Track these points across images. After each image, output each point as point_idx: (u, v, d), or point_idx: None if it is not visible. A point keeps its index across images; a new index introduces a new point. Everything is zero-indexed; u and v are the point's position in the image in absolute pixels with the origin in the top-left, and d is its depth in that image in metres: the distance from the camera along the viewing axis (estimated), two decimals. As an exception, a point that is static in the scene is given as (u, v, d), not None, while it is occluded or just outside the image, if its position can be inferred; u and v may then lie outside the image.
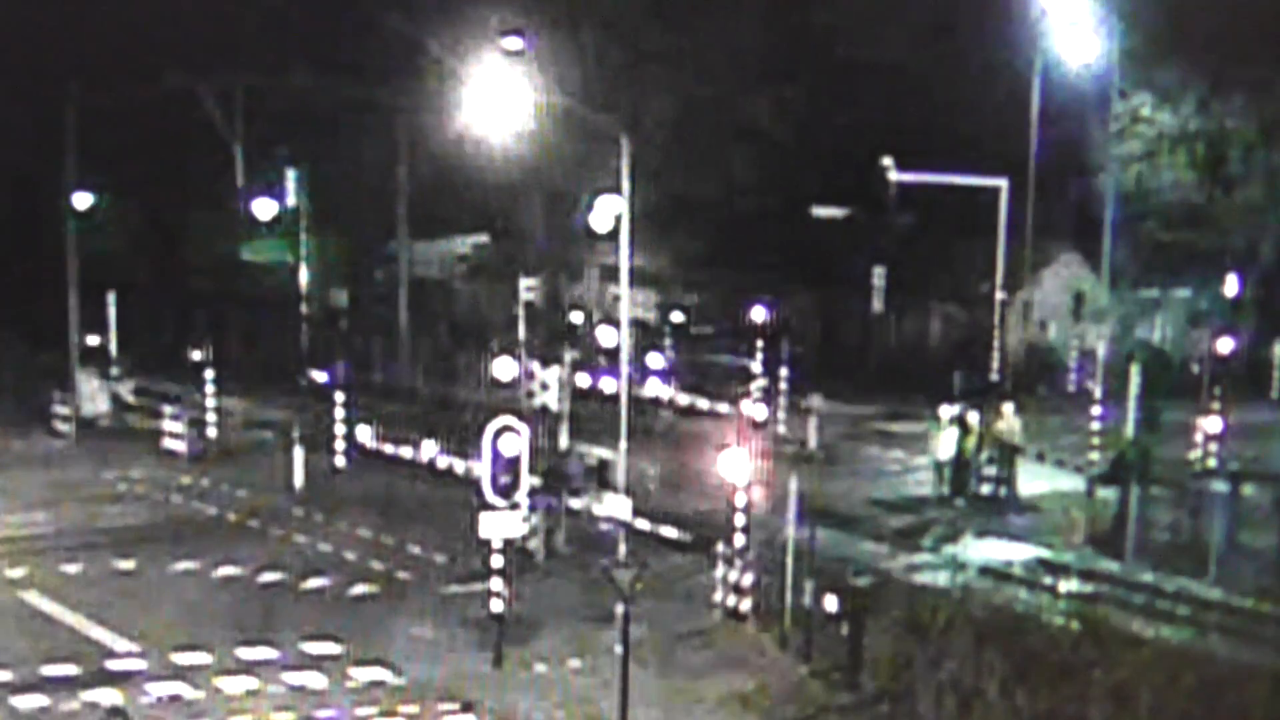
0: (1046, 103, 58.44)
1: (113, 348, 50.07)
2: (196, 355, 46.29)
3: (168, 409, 43.41)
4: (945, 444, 36.64)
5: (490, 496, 24.24)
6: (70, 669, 23.80)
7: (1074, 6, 58.19)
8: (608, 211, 54.78)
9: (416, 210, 60.95)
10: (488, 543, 24.62)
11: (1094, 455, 37.88)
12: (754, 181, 60.36)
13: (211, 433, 43.80)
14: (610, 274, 57.00)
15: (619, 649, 21.05)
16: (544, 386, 33.98)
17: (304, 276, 61.09)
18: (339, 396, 40.01)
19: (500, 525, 24.39)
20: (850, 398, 50.08)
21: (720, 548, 27.16)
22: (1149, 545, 30.33)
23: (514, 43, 48.18)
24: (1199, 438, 38.35)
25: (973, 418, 36.89)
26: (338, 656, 24.60)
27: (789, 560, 25.94)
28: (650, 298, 62.33)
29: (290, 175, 60.71)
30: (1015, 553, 31.11)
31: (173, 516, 35.33)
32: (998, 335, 55.26)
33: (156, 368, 51.31)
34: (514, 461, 24.19)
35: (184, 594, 28.63)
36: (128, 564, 30.54)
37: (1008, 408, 37.54)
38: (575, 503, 32.25)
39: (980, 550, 31.47)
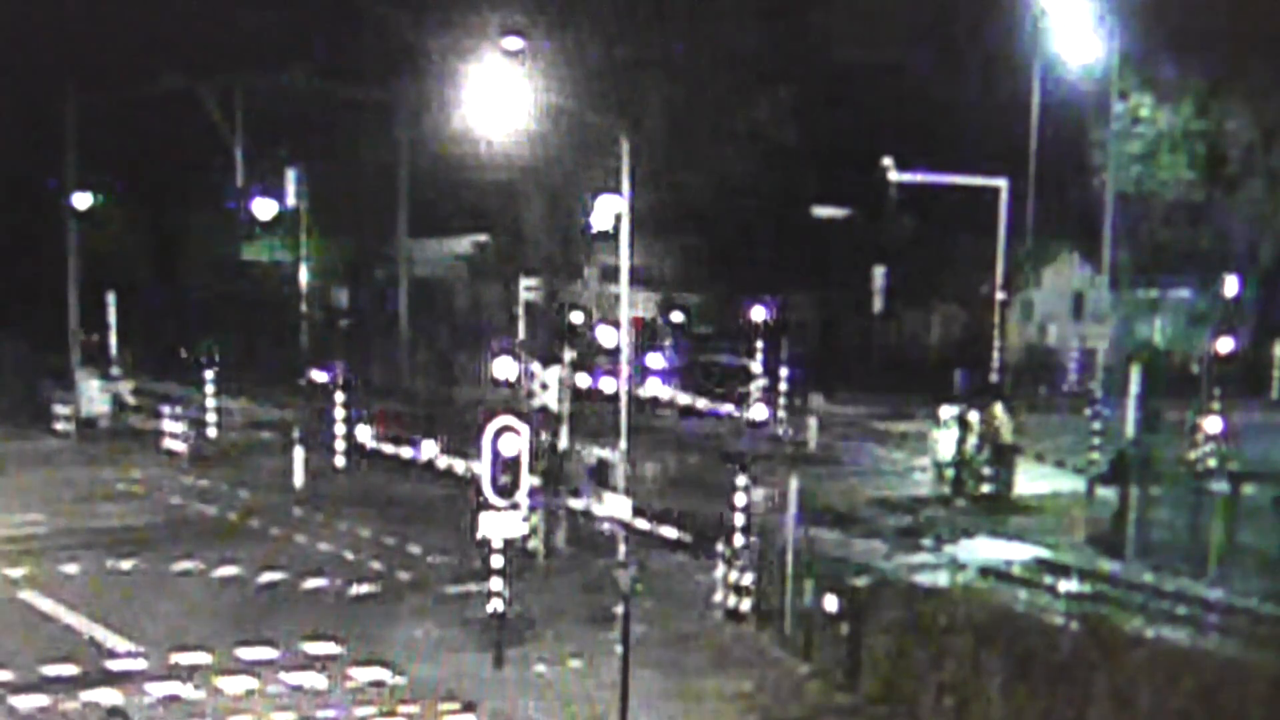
0: (1046, 103, 58.46)
1: (113, 348, 50.08)
2: (196, 355, 46.31)
3: (168, 409, 43.43)
4: (945, 444, 36.61)
5: (490, 496, 24.23)
6: (70, 669, 23.79)
7: (1074, 6, 58.21)
8: (608, 211, 54.78)
9: (417, 210, 60.98)
10: (488, 543, 24.62)
11: (1094, 455, 37.86)
12: (754, 182, 60.36)
13: (211, 433, 43.82)
14: (610, 274, 57.00)
15: (619, 649, 21.04)
16: (544, 386, 33.92)
17: (304, 276, 61.10)
18: (339, 396, 40.01)
19: (500, 525, 24.38)
20: (850, 398, 50.09)
21: (720, 547, 27.14)
22: (1149, 545, 30.30)
23: (514, 43, 48.18)
24: (1199, 438, 38.32)
25: (973, 418, 36.88)
26: (338, 656, 24.59)
27: (789, 560, 25.93)
28: (650, 298, 62.33)
29: (290, 175, 60.69)
30: (1015, 553, 31.07)
31: (173, 516, 35.35)
32: (998, 335, 55.24)
33: (156, 368, 51.30)
34: (514, 461, 24.18)
35: (184, 594, 28.63)
36: (128, 564, 30.55)
37: (997, 408, 37.55)
38: (575, 503, 32.23)
39: (980, 550, 31.43)
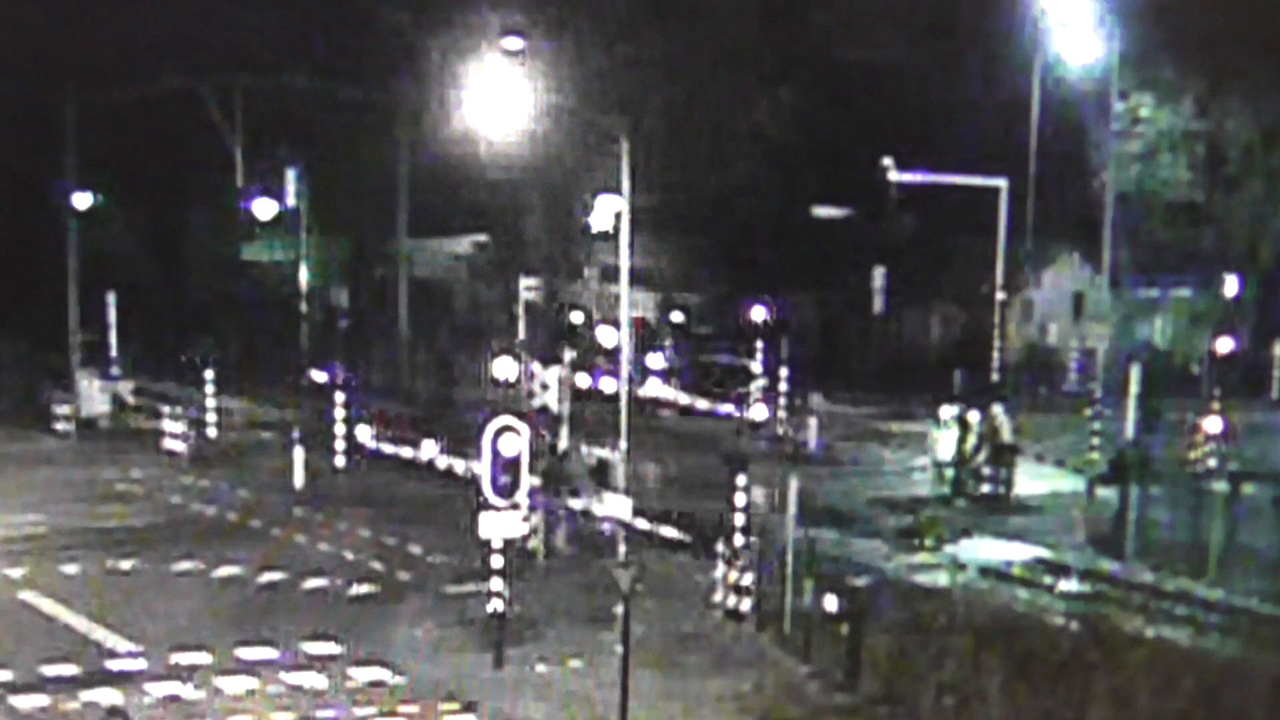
0: (1047, 103, 58.47)
1: (113, 348, 50.06)
2: (196, 355, 46.30)
3: (168, 409, 43.43)
4: (945, 444, 36.65)
5: (490, 496, 24.23)
6: (70, 669, 23.79)
7: (1074, 6, 58.23)
8: (608, 211, 54.80)
9: (417, 210, 60.97)
10: (488, 543, 24.62)
11: (1094, 455, 37.89)
12: (754, 182, 60.39)
13: (211, 433, 43.81)
14: (610, 274, 57.03)
15: (619, 649, 21.04)
16: (544, 386, 33.95)
17: (304, 276, 61.11)
18: (339, 396, 40.01)
19: (500, 525, 24.38)
20: (850, 398, 50.10)
21: (720, 547, 27.15)
22: (1149, 545, 30.34)
23: (514, 43, 48.21)
24: (1199, 438, 38.35)
25: (973, 418, 36.91)
26: (338, 656, 24.60)
27: (789, 560, 25.93)
28: (650, 298, 62.33)
29: (290, 175, 60.70)
30: (1015, 553, 31.11)
31: (173, 516, 35.33)
32: (998, 335, 55.27)
33: (156, 368, 51.30)
34: (514, 461, 24.19)
35: (184, 594, 28.62)
36: (128, 564, 30.54)
37: (997, 409, 37.60)
38: (575, 503, 32.23)
39: (980, 550, 31.47)
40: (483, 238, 68.39)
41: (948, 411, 37.08)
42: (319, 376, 41.28)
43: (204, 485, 38.44)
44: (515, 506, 24.51)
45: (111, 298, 50.09)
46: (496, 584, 24.64)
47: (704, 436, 44.77)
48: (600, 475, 33.24)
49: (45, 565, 30.22)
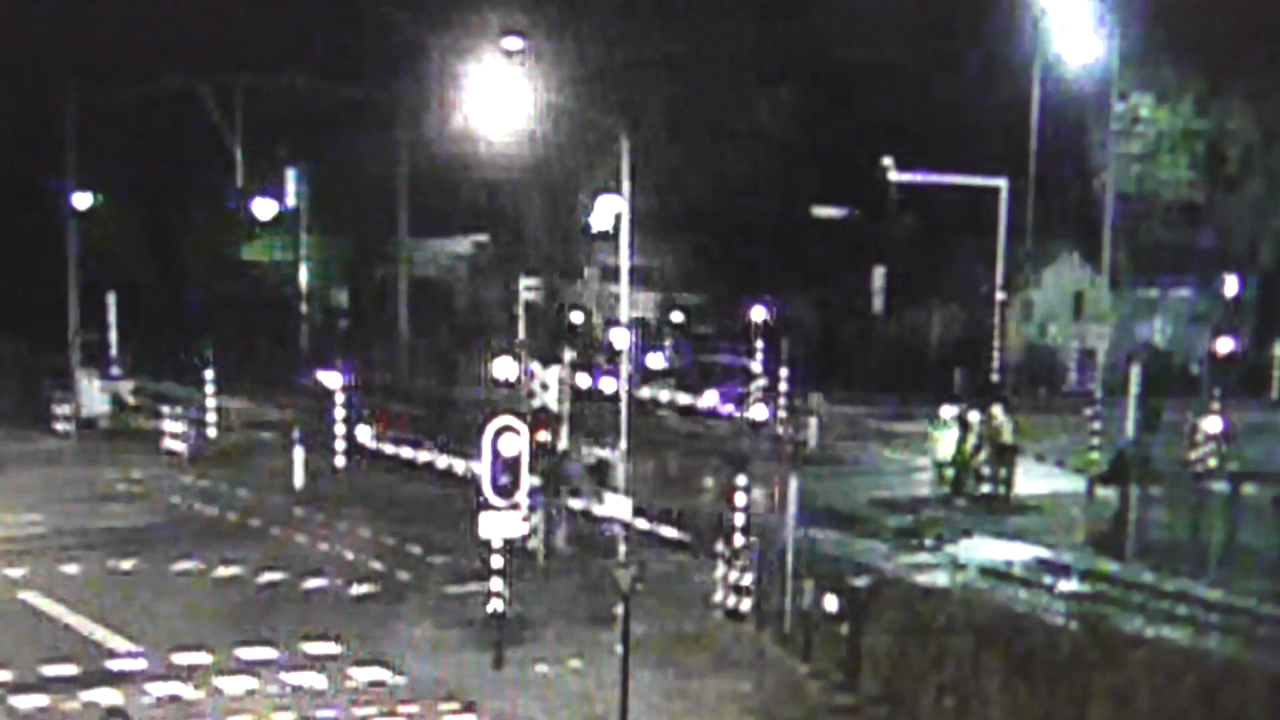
0: (1046, 103, 58.47)
1: (113, 348, 50.07)
2: (196, 355, 46.33)
3: (168, 409, 43.44)
4: (945, 444, 36.59)
5: (490, 496, 24.23)
6: (70, 669, 23.80)
7: (1074, 7, 58.23)
8: (608, 211, 54.80)
9: (417, 210, 61.00)
10: (488, 543, 24.62)
11: (1094, 455, 37.85)
12: (754, 182, 60.36)
13: (211, 433, 43.83)
14: (610, 274, 57.02)
15: (619, 649, 21.05)
16: (544, 386, 33.94)
17: (304, 276, 61.10)
18: (339, 396, 40.01)
19: (500, 525, 24.39)
20: (850, 398, 50.08)
21: (720, 547, 27.15)
22: (1149, 545, 30.30)
23: (514, 43, 48.22)
24: (1199, 438, 38.32)
25: (973, 418, 36.87)
26: (338, 656, 24.60)
27: (789, 560, 25.93)
28: (650, 298, 62.32)
29: (290, 175, 60.70)
30: (1015, 553, 31.07)
31: (173, 516, 35.36)
32: (998, 335, 55.24)
33: (156, 368, 51.33)
34: (514, 461, 24.19)
35: (184, 594, 28.64)
36: (128, 564, 30.57)
37: (997, 408, 37.55)
38: (575, 503, 32.23)
39: (980, 550, 31.43)
40: (483, 238, 68.38)
41: (948, 411, 37.01)
42: (326, 378, 41.20)
43: (204, 485, 38.46)
44: (515, 506, 24.52)
45: (111, 298, 50.11)
46: (496, 584, 24.65)
47: (704, 436, 44.80)
48: (600, 475, 33.22)
49: (45, 565, 30.25)
